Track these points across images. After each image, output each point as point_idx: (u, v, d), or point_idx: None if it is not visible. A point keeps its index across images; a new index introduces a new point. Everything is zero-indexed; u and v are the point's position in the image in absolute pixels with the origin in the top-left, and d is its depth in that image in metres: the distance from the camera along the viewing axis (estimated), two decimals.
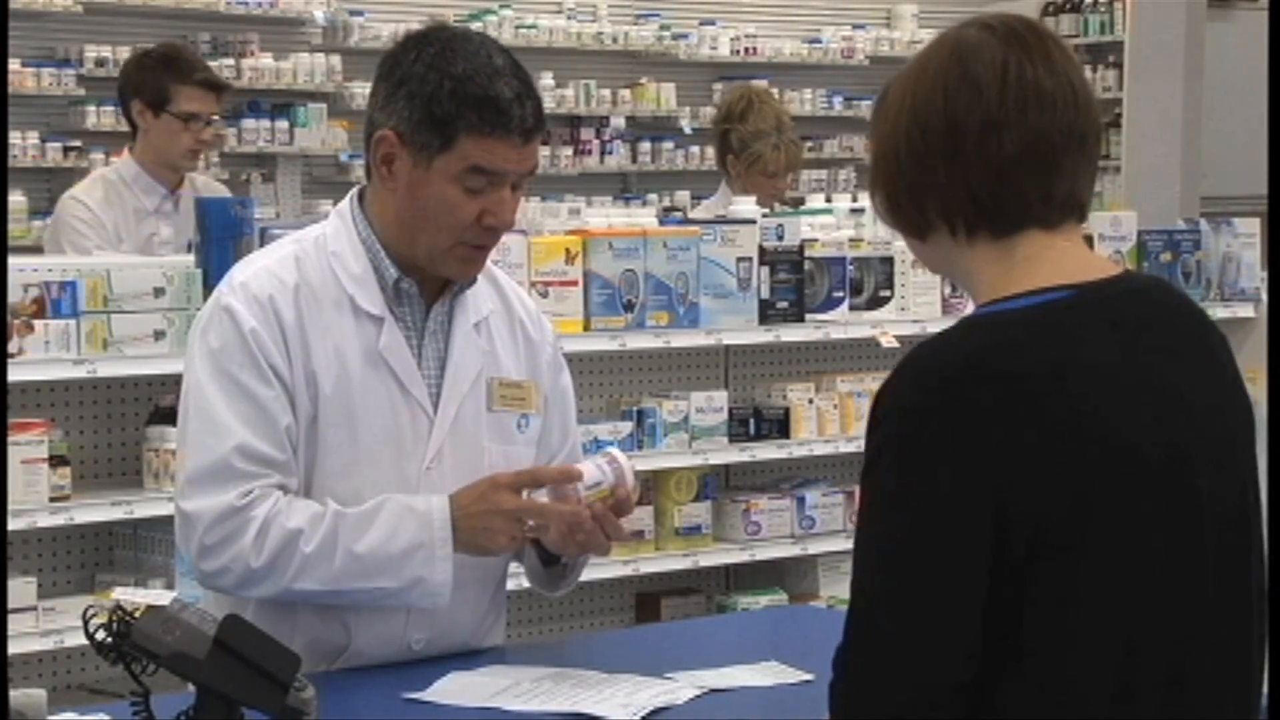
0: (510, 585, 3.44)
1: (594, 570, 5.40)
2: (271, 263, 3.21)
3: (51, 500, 4.71)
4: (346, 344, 3.16)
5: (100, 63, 10.39)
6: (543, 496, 3.19)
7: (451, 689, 3.03)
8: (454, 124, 3.09)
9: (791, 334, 5.66)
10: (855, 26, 13.09)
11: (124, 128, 10.62)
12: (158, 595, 2.56)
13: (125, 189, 6.18)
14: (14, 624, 4.60)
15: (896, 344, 5.74)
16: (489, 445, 3.23)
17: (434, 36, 3.18)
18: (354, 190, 3.28)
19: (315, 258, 3.20)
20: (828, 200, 6.68)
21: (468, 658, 3.23)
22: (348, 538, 3.08)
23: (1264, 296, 6.43)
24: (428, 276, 3.23)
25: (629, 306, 5.32)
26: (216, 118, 6.34)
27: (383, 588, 3.11)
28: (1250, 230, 6.51)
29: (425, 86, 3.11)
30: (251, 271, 3.20)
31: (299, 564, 3.07)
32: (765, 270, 5.56)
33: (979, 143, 2.27)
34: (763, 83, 10.20)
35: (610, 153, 12.03)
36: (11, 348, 4.59)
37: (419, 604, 3.15)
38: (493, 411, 3.25)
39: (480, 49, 3.15)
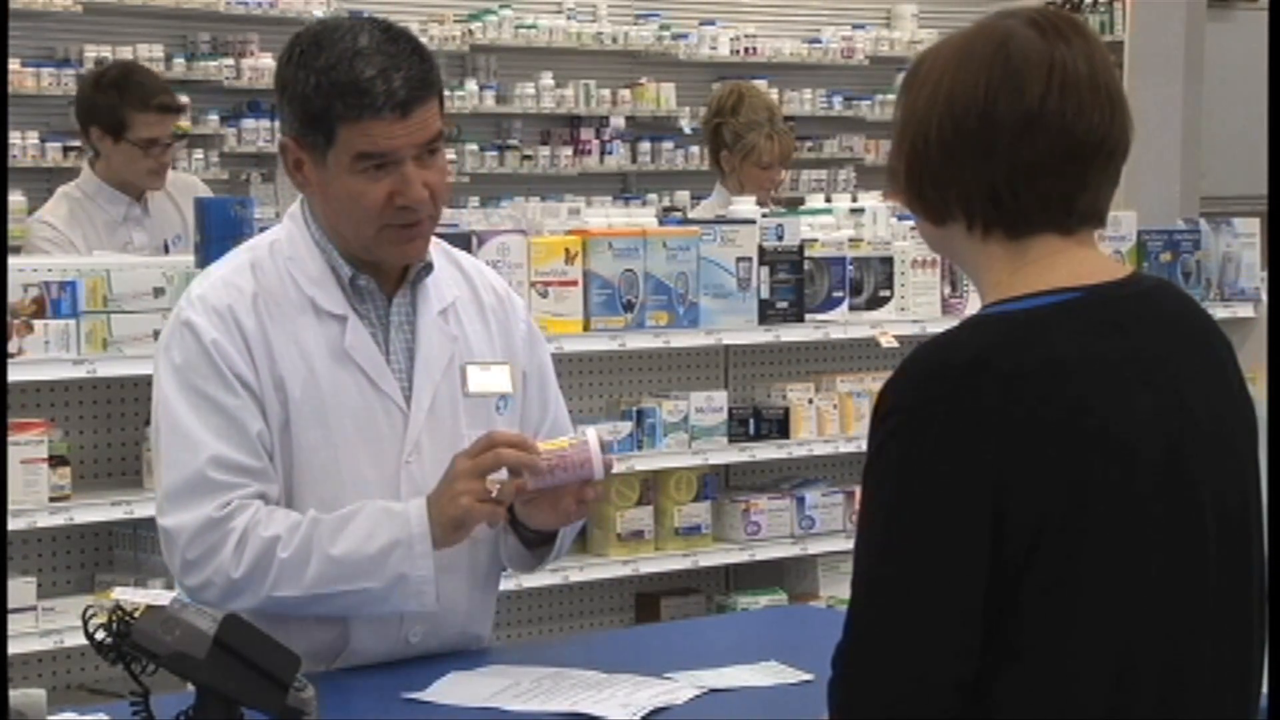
0: (509, 586, 3.43)
1: (594, 570, 5.44)
2: (228, 272, 3.20)
3: (51, 500, 4.72)
4: (311, 346, 3.15)
5: (100, 63, 10.37)
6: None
7: (451, 689, 3.02)
8: (327, 117, 3.08)
9: (791, 334, 5.67)
10: (855, 26, 13.08)
11: None
12: (157, 595, 2.56)
13: (90, 203, 6.11)
14: (14, 624, 4.61)
15: (896, 344, 5.74)
16: (467, 432, 3.19)
17: (304, 35, 3.17)
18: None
19: (271, 264, 3.19)
20: (827, 200, 6.69)
21: (467, 657, 3.22)
22: (324, 541, 3.07)
23: (1264, 296, 6.43)
24: (383, 270, 3.21)
25: (629, 306, 5.32)
26: (180, 136, 6.30)
27: (364, 589, 3.08)
28: (1250, 230, 6.51)
29: (297, 87, 3.11)
30: (209, 284, 3.19)
31: (277, 571, 3.06)
32: (765, 270, 5.57)
33: (1011, 144, 2.25)
34: (763, 82, 10.20)
35: (610, 153, 12.03)
36: (11, 347, 4.60)
37: (404, 606, 3.13)
38: (469, 397, 3.24)
39: (345, 35, 3.10)
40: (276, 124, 10.62)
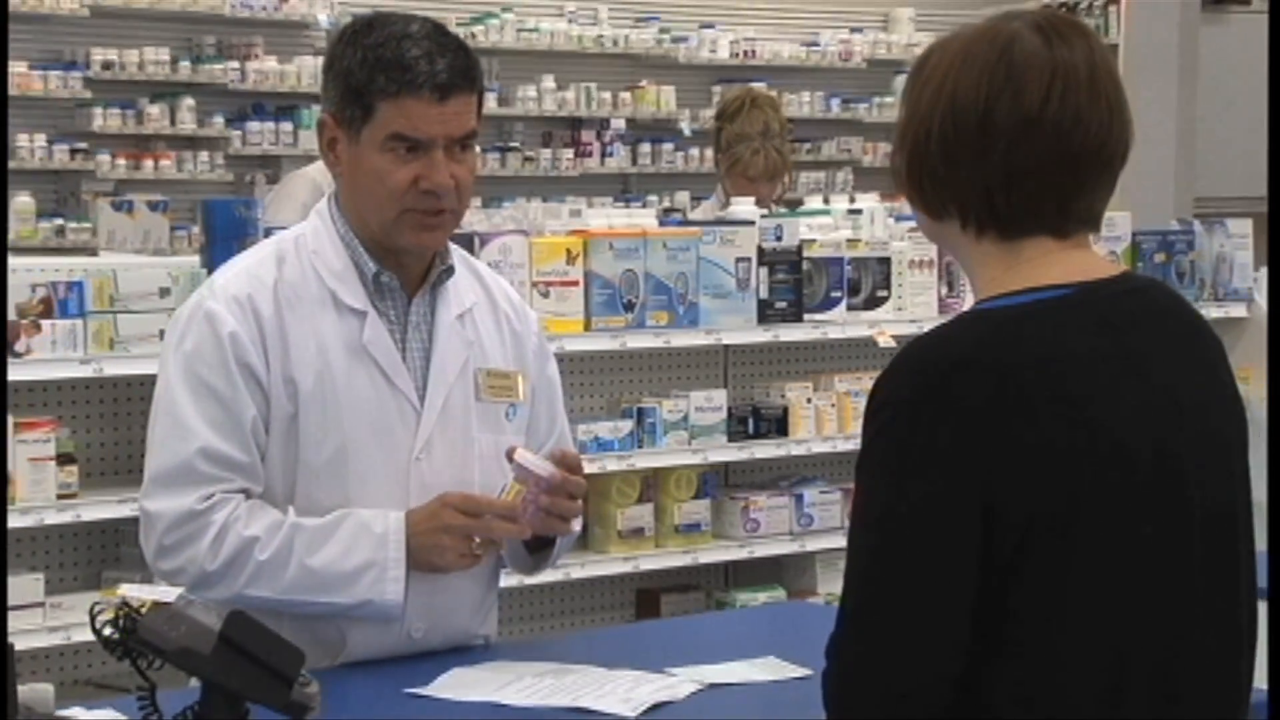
0: (510, 583, 3.45)
1: (595, 567, 5.46)
2: (251, 263, 3.24)
3: (59, 498, 4.75)
4: (329, 339, 3.18)
5: (107, 65, 10.40)
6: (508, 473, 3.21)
7: (453, 684, 3.04)
8: (368, 91, 3.13)
9: (790, 334, 5.69)
10: (853, 30, 13.08)
11: (128, 130, 10.68)
12: (164, 591, 2.57)
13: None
14: (22, 620, 4.64)
15: (894, 343, 5.76)
16: (479, 435, 3.24)
17: (359, 19, 3.23)
18: (331, 190, 3.31)
19: (295, 256, 3.22)
20: (825, 201, 6.70)
21: (469, 654, 3.25)
22: (303, 550, 3.11)
23: (1256, 297, 6.47)
24: (406, 269, 3.24)
25: (629, 306, 5.35)
26: None
27: (333, 603, 3.13)
28: (1243, 231, 6.54)
29: (344, 62, 3.16)
30: (232, 273, 3.22)
31: (252, 571, 3.10)
32: (764, 270, 5.59)
33: (1007, 148, 2.27)
34: (762, 85, 10.23)
35: (610, 154, 12.03)
36: (19, 347, 4.63)
37: (370, 619, 3.17)
38: (480, 401, 3.27)
39: (399, 20, 3.17)
40: (280, 126, 10.85)
